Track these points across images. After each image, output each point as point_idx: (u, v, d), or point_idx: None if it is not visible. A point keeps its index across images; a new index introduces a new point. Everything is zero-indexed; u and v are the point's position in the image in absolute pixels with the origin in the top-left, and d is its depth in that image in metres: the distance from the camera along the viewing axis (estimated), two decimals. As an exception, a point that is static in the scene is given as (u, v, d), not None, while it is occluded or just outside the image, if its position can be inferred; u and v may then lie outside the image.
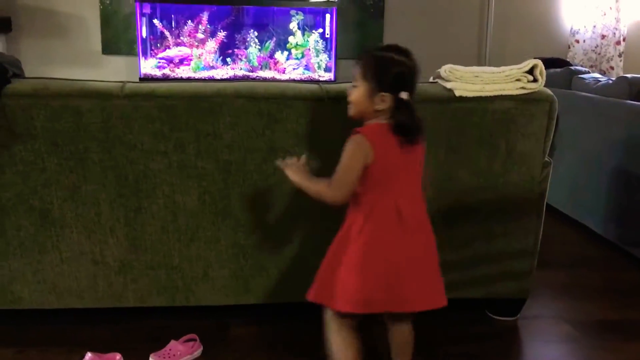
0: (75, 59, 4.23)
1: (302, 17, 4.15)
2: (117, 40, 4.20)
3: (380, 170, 1.44)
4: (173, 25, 4.11)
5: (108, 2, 4.13)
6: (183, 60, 4.10)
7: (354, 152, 1.44)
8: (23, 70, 1.82)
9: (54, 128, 1.68)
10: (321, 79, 4.14)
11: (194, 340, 1.81)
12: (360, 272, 1.45)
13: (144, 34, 4.03)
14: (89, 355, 1.70)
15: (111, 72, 4.20)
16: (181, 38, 4.10)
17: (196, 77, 4.02)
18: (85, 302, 1.85)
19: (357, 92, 1.48)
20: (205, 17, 4.08)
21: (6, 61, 1.73)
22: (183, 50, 4.10)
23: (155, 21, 4.07)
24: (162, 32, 4.09)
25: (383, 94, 1.43)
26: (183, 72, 4.07)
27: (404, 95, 1.44)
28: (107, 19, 4.16)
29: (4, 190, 1.71)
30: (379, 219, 1.46)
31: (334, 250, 1.52)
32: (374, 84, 1.44)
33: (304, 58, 4.19)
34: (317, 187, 1.49)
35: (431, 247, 1.56)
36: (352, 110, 1.50)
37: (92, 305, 1.87)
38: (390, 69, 1.45)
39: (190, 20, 4.08)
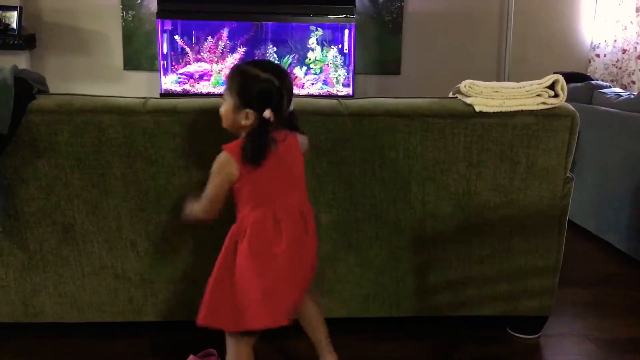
0: (97, 74, 4.30)
1: (320, 33, 4.18)
2: (139, 56, 4.26)
3: (250, 185, 1.45)
4: (193, 41, 4.16)
5: (130, 18, 4.20)
6: (203, 76, 4.15)
7: (218, 171, 1.45)
8: (47, 86, 1.85)
9: (77, 143, 1.70)
10: (339, 93, 4.16)
11: (213, 355, 1.81)
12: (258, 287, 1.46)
13: (165, 50, 4.09)
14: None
15: (132, 87, 4.26)
16: (201, 54, 4.15)
17: (216, 93, 4.06)
18: (106, 316, 1.87)
19: (224, 106, 1.49)
20: (225, 33, 4.12)
21: (31, 78, 1.77)
22: (203, 66, 4.14)
23: (176, 37, 4.13)
24: (182, 48, 4.14)
25: (247, 110, 1.44)
26: (203, 87, 4.11)
27: (267, 113, 1.43)
28: (129, 36, 4.23)
29: (28, 205, 1.74)
30: (256, 234, 1.46)
31: (220, 270, 1.51)
32: (238, 99, 1.45)
33: (322, 73, 4.22)
34: (192, 208, 1.52)
35: (306, 259, 1.56)
36: (223, 124, 1.51)
37: (112, 319, 1.88)
38: (253, 85, 1.44)
39: (210, 36, 4.13)
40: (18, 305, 1.82)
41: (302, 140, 1.58)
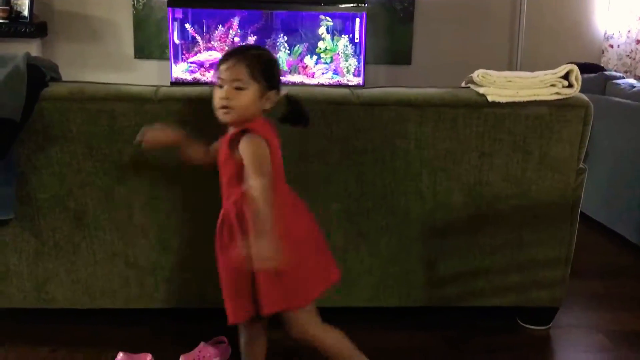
0: (108, 63, 4.30)
1: (331, 22, 4.16)
2: (149, 44, 4.26)
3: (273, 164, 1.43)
4: (204, 30, 4.15)
5: (141, 7, 4.20)
6: (213, 65, 4.14)
7: (262, 149, 1.39)
8: (60, 74, 1.86)
9: (89, 131, 1.71)
10: (350, 83, 4.14)
11: (223, 342, 1.82)
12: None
13: (176, 39, 4.09)
14: (120, 355, 1.72)
15: (143, 76, 4.26)
16: (212, 42, 4.14)
17: (226, 82, 4.05)
18: (117, 302, 1.88)
19: (246, 95, 1.40)
20: (235, 21, 4.11)
21: (44, 65, 1.77)
22: (213, 55, 4.14)
23: (187, 26, 4.12)
24: (193, 37, 4.13)
25: (272, 92, 1.44)
26: (214, 76, 4.10)
27: (284, 91, 1.48)
28: (140, 24, 4.23)
29: (41, 192, 1.75)
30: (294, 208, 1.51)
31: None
32: (265, 82, 1.42)
33: (332, 62, 4.20)
34: (265, 207, 1.32)
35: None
36: (234, 116, 1.41)
37: (123, 306, 1.89)
38: (276, 66, 1.48)
39: (220, 25, 4.12)
40: (31, 291, 1.84)
41: None
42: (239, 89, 1.40)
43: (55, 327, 1.93)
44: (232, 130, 1.45)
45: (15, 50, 2.20)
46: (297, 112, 1.51)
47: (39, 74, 1.71)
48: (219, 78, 1.43)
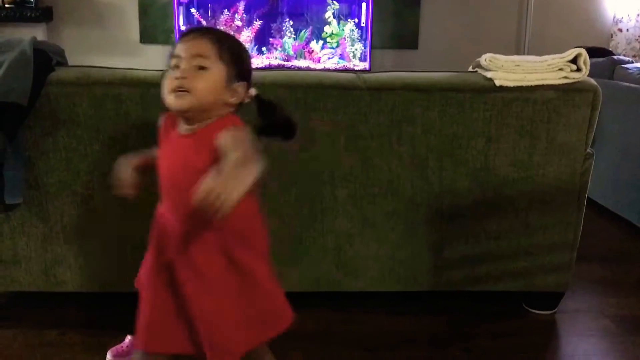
0: (113, 47, 4.29)
1: (337, 7, 4.13)
2: (155, 29, 4.25)
3: None
4: (209, 15, 4.13)
5: (146, -9, 4.18)
6: (219, 49, 4.13)
7: (248, 138, 1.13)
8: (66, 58, 1.85)
9: (96, 115, 1.71)
10: (356, 68, 4.13)
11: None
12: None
13: (181, 23, 4.07)
14: (129, 338, 1.74)
15: (148, 61, 4.25)
16: (217, 27, 4.13)
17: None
18: (126, 286, 1.88)
19: (210, 76, 1.13)
20: (241, 6, 4.09)
21: (50, 50, 1.77)
22: (219, 40, 4.12)
23: (193, 10, 4.10)
24: (199, 21, 4.12)
25: (240, 83, 1.18)
26: (219, 61, 4.09)
27: (253, 91, 1.23)
28: (145, 8, 4.21)
29: (48, 176, 1.76)
30: (253, 226, 1.27)
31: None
32: (234, 68, 1.16)
33: (339, 47, 4.18)
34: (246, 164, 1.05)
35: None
36: (191, 101, 1.13)
37: (132, 289, 1.90)
38: (247, 55, 1.23)
39: (226, 9, 4.10)
40: (39, 275, 1.85)
41: None
42: (201, 68, 1.13)
43: (64, 311, 1.95)
44: (195, 127, 1.17)
45: (21, 34, 2.20)
46: (274, 120, 1.24)
47: (45, 59, 1.71)
48: (173, 57, 1.16)
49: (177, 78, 1.14)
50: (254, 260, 1.23)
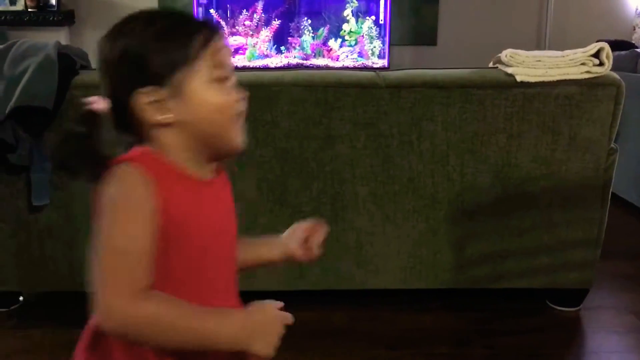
0: (134, 49, 4.33)
1: (356, 4, 4.13)
2: (174, 30, 4.28)
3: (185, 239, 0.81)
4: (228, 15, 4.16)
5: (165, -7, 4.22)
6: (238, 50, 4.15)
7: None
8: (90, 61, 1.88)
9: (119, 118, 1.73)
10: (375, 65, 4.12)
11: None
12: None
13: (201, 24, 4.10)
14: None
15: (169, 62, 4.29)
16: (236, 27, 4.15)
17: (251, 66, 4.07)
18: (149, 285, 1.92)
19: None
20: (259, 6, 4.11)
21: (74, 53, 1.80)
22: (238, 40, 4.14)
23: (212, 11, 4.13)
24: (218, 22, 4.14)
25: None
26: (238, 61, 4.11)
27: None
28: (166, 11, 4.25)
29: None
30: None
31: None
32: None
33: (357, 45, 4.18)
34: None
35: None
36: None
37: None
38: None
39: (245, 10, 4.12)
40: (65, 275, 1.88)
41: None
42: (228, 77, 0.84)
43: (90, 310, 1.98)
44: (214, 165, 0.88)
45: (44, 38, 2.23)
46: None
47: (69, 62, 1.74)
48: (221, 66, 0.82)
49: (243, 99, 0.85)
50: None
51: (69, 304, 2.00)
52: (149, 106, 0.79)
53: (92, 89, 1.72)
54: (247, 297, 1.59)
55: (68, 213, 1.82)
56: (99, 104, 0.84)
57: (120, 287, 0.74)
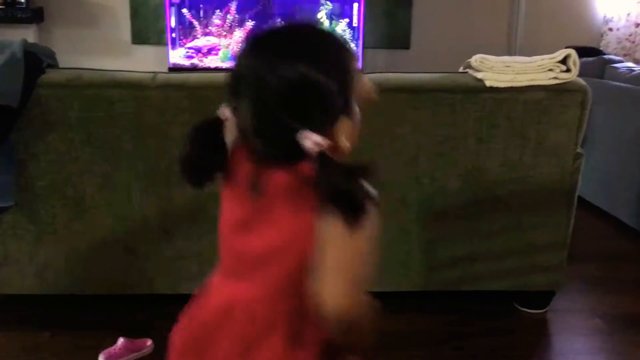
0: (105, 48, 4.28)
1: (330, 7, 4.13)
2: (147, 30, 4.23)
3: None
4: (201, 15, 4.13)
5: (137, -8, 4.17)
6: (211, 50, 4.12)
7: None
8: (57, 60, 1.85)
9: (87, 118, 1.71)
10: (348, 68, 4.13)
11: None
12: None
13: (173, 24, 4.06)
14: (121, 340, 1.74)
15: (140, 61, 4.24)
16: (209, 28, 4.12)
17: (224, 67, 4.04)
18: (118, 288, 1.89)
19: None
20: (233, 6, 4.09)
21: (41, 52, 1.77)
22: (211, 40, 4.12)
23: (184, 11, 4.09)
24: (190, 22, 4.11)
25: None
26: (211, 61, 4.09)
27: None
28: (137, 9, 4.20)
29: (39, 179, 1.75)
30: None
31: None
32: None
33: (331, 47, 4.18)
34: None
35: None
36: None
37: (124, 291, 1.90)
38: None
39: (218, 10, 4.09)
40: (31, 277, 1.85)
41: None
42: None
43: (56, 313, 1.94)
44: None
45: (12, 36, 2.19)
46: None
47: (35, 61, 1.71)
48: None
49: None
50: None
51: (33, 307, 1.97)
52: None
53: (59, 88, 1.71)
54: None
55: (33, 214, 1.78)
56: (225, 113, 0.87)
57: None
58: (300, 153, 0.79)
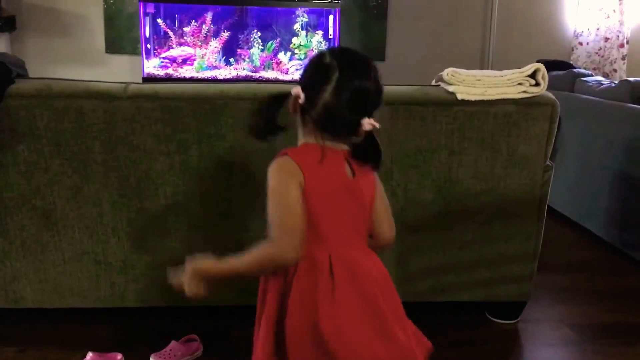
0: (79, 57, 4.23)
1: (306, 19, 4.16)
2: (121, 39, 4.21)
3: (311, 205, 1.10)
4: (176, 25, 4.11)
5: (112, 1, 4.14)
6: (186, 60, 4.11)
7: (285, 177, 1.10)
8: (27, 70, 1.83)
9: (57, 128, 1.69)
10: (324, 79, 4.14)
11: (195, 340, 1.81)
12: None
13: (148, 34, 4.04)
14: (90, 355, 1.71)
15: (114, 71, 4.21)
16: (184, 38, 4.11)
17: (199, 77, 4.03)
18: (87, 301, 1.86)
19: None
20: (209, 17, 4.08)
21: (10, 62, 1.74)
22: (186, 50, 4.10)
23: (159, 20, 4.08)
24: (165, 32, 4.09)
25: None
26: (186, 71, 4.07)
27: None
28: (111, 18, 4.17)
29: (7, 190, 1.72)
30: (304, 279, 1.11)
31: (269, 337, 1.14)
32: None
33: (307, 58, 4.20)
34: (252, 258, 1.11)
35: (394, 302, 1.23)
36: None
37: (93, 305, 1.87)
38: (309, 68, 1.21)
39: (193, 20, 4.08)
40: (-2, 291, 1.81)
41: (381, 191, 1.26)
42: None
43: (24, 327, 1.91)
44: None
45: (-19, 45, 2.16)
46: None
47: (4, 71, 1.68)
48: None
49: None
50: None
51: (1, 321, 1.92)
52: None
53: (28, 98, 1.69)
54: (194, 311, 1.55)
55: (0, 226, 1.75)
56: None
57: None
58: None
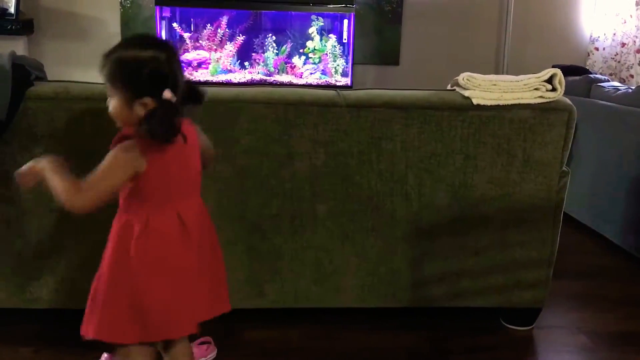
0: (95, 61, 4.19)
1: (322, 23, 4.17)
2: (137, 43, 4.24)
3: (153, 178, 1.30)
4: (192, 29, 4.14)
5: (128, 5, 4.18)
6: (201, 64, 4.13)
7: (123, 162, 1.28)
8: (45, 73, 1.85)
9: (74, 131, 1.70)
10: (338, 83, 4.15)
11: (209, 343, 1.82)
12: (149, 295, 1.34)
13: (163, 38, 4.07)
14: (105, 356, 1.72)
15: (130, 74, 4.23)
16: (200, 42, 4.13)
17: (214, 81, 4.06)
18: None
19: (112, 104, 1.30)
20: (224, 21, 4.11)
21: (29, 64, 1.76)
22: (201, 54, 4.13)
23: (175, 25, 4.11)
24: (181, 36, 4.12)
25: (144, 100, 1.26)
26: (201, 75, 4.10)
27: (167, 94, 1.25)
28: (127, 22, 4.21)
29: (25, 192, 1.74)
30: (160, 236, 1.34)
31: (113, 275, 1.38)
32: (128, 91, 1.27)
33: (321, 63, 4.21)
34: (63, 185, 1.28)
35: (216, 252, 1.50)
36: (117, 123, 1.34)
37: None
38: (140, 70, 1.26)
39: (209, 24, 4.11)
40: (14, 291, 1.82)
41: (202, 136, 1.46)
42: (109, 95, 1.32)
43: (39, 328, 1.92)
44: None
45: (1, 48, 2.19)
46: (150, 130, 1.26)
47: (24, 73, 1.71)
48: None
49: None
50: None
51: (16, 322, 1.94)
52: None
53: (46, 101, 1.70)
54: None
55: (18, 227, 1.77)
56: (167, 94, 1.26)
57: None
58: None
